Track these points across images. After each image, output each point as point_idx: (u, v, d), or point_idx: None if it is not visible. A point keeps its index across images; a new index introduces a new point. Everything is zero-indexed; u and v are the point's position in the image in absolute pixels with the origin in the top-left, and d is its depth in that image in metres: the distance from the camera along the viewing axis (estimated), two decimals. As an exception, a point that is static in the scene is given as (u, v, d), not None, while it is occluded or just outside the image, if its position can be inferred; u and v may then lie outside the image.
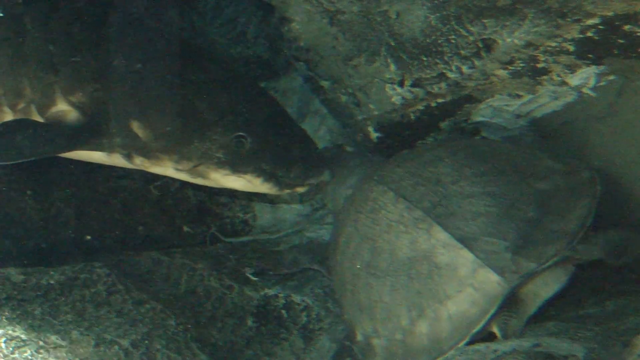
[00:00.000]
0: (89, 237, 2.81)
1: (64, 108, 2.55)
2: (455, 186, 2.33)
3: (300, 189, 2.61)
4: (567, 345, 2.03)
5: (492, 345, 2.13)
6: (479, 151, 2.51)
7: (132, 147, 2.54)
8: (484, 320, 2.14)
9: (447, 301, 2.17)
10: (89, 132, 2.53)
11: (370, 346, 2.33)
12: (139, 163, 2.58)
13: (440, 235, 2.22)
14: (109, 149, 2.56)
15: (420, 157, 2.52)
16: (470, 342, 2.18)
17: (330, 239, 2.68)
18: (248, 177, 2.54)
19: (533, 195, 2.31)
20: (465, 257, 2.17)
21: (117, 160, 2.61)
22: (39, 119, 2.58)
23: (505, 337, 2.20)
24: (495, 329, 2.23)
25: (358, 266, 2.38)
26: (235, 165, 2.51)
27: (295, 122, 2.72)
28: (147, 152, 2.53)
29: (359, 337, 2.38)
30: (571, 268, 2.31)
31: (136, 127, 2.50)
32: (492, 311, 2.13)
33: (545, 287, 2.30)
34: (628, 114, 2.45)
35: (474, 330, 2.15)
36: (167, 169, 2.57)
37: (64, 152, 2.58)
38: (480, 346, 2.14)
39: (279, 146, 2.56)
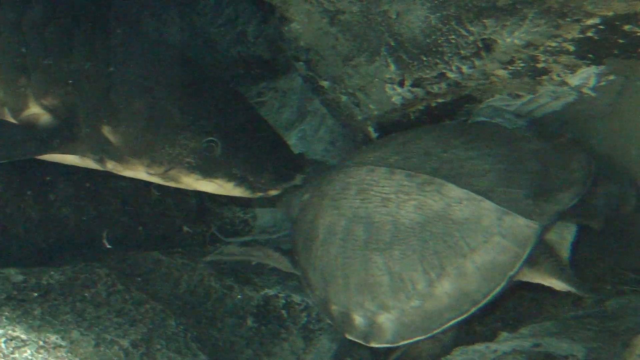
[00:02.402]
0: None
1: (36, 111, 2.56)
2: (448, 154, 2.33)
3: (274, 192, 2.60)
4: (567, 345, 2.04)
5: (492, 345, 2.13)
6: (453, 127, 2.54)
7: (103, 151, 2.55)
8: (519, 263, 2.13)
9: (472, 253, 2.16)
10: (61, 136, 2.54)
11: (375, 325, 2.29)
12: (111, 167, 2.59)
13: (454, 192, 2.21)
14: (81, 152, 2.56)
15: (394, 140, 2.51)
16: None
17: (295, 243, 2.65)
18: (219, 181, 2.54)
19: (529, 153, 2.33)
20: (487, 208, 2.16)
21: (89, 163, 2.61)
22: (12, 121, 2.58)
23: (574, 285, 2.20)
24: (554, 282, 2.22)
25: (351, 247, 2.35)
26: (206, 170, 2.52)
27: (269, 126, 2.71)
28: (118, 156, 2.54)
29: (359, 321, 2.33)
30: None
31: (107, 131, 2.51)
32: (525, 254, 2.13)
33: (567, 230, 2.30)
34: (628, 114, 2.45)
35: (510, 274, 2.13)
36: (139, 172, 2.58)
37: (36, 156, 2.58)
38: (481, 346, 2.14)
39: (250, 151, 2.56)
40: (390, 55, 2.61)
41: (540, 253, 2.22)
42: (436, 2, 2.40)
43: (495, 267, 2.14)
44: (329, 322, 2.50)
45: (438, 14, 2.41)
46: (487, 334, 2.34)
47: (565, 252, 2.28)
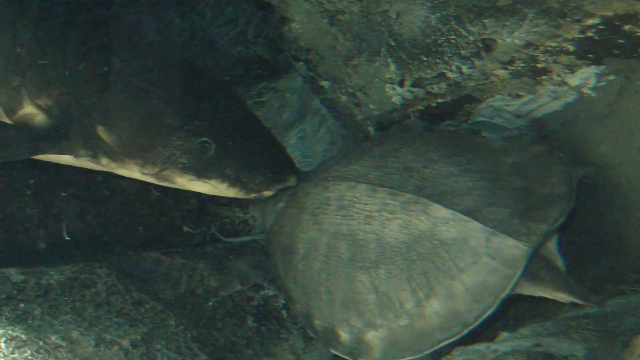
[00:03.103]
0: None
1: (31, 111, 2.56)
2: (430, 169, 2.31)
3: (268, 193, 2.60)
4: (567, 345, 2.03)
5: (492, 345, 2.13)
6: (429, 139, 2.51)
7: (98, 150, 2.55)
8: (510, 285, 2.12)
9: (461, 274, 2.14)
10: (55, 136, 2.54)
11: (362, 342, 2.28)
12: (106, 166, 2.59)
13: (441, 212, 2.19)
14: (76, 152, 2.56)
15: (369, 153, 2.47)
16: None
17: (273, 257, 2.63)
18: (213, 182, 2.54)
19: (509, 168, 2.31)
20: (473, 229, 2.15)
21: (85, 162, 2.61)
22: (7, 121, 2.58)
23: (579, 296, 2.20)
24: (559, 295, 2.22)
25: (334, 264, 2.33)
26: (200, 171, 2.52)
27: (264, 127, 2.71)
28: (113, 156, 2.54)
29: (345, 337, 2.31)
30: None
31: (101, 131, 2.51)
32: (517, 276, 2.12)
33: (550, 240, 2.29)
34: (628, 114, 2.45)
35: (502, 296, 2.12)
36: (133, 172, 2.58)
37: (31, 156, 2.58)
38: (481, 346, 2.14)
39: (244, 152, 2.55)
40: (390, 55, 2.61)
41: (540, 268, 2.21)
42: (436, 2, 2.40)
43: (485, 288, 2.13)
44: (312, 335, 2.48)
45: (438, 14, 2.41)
46: (487, 334, 2.34)
47: (559, 262, 2.28)
